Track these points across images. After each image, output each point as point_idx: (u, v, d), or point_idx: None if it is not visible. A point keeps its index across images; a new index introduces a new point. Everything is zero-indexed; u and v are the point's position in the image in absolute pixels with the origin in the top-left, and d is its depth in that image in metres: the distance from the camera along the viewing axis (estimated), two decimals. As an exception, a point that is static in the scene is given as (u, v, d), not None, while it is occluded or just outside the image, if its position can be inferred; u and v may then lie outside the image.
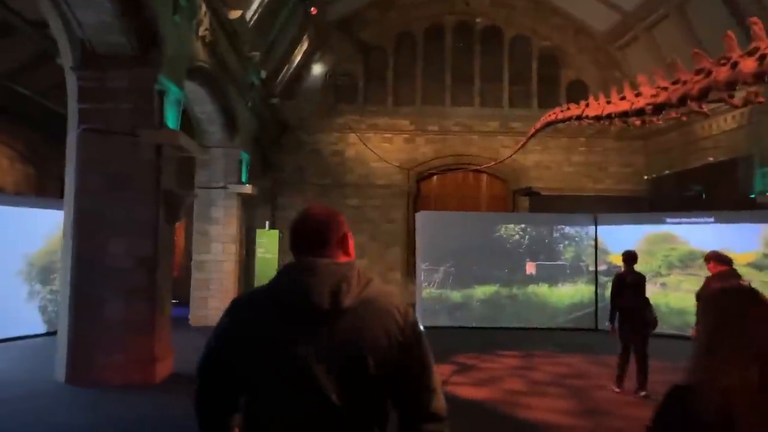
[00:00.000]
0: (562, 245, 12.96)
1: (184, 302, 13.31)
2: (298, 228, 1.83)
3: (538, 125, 9.23)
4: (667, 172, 17.53)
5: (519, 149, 11.34)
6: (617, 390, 7.44)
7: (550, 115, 8.70)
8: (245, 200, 13.38)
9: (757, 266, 10.93)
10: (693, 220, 11.70)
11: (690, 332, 7.08)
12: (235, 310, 1.79)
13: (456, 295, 12.71)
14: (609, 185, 18.74)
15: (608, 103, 7.11)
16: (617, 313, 7.46)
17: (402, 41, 19.10)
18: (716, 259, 6.87)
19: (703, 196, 13.46)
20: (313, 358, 1.62)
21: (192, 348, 10.40)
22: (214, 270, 12.88)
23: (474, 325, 12.58)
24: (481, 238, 12.87)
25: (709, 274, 6.92)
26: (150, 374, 7.45)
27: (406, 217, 18.47)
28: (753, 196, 13.69)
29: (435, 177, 19.16)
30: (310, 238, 1.80)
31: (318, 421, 1.62)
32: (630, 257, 7.73)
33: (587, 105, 7.52)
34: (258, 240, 13.87)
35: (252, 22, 12.06)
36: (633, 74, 18.34)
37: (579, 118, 7.35)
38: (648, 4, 16.24)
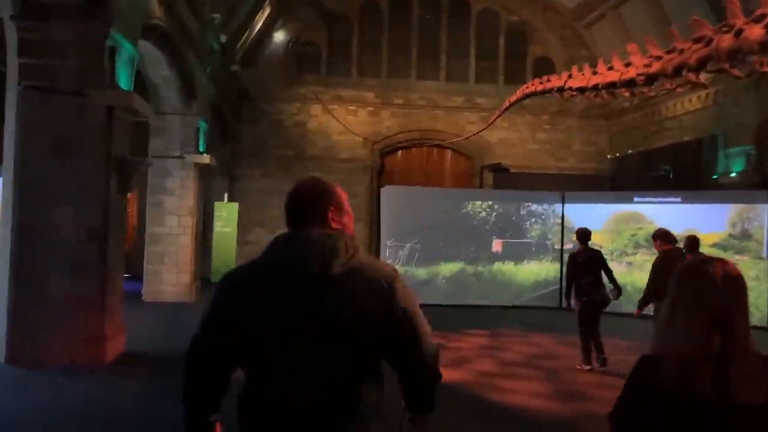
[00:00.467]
0: (528, 223, 12.81)
1: (137, 277, 12.69)
2: (289, 202, 1.89)
3: (514, 98, 8.90)
4: (630, 151, 17.57)
5: (493, 122, 11.02)
6: (587, 368, 7.32)
7: (528, 87, 8.37)
8: (203, 171, 12.74)
9: (722, 247, 10.97)
10: (660, 199, 11.65)
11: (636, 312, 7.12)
12: (228, 283, 1.84)
13: (421, 272, 12.43)
14: (573, 164, 18.71)
15: (594, 73, 6.81)
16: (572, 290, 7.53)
17: (367, 11, 18.50)
18: (662, 237, 7.13)
19: (671, 175, 13.45)
20: (309, 322, 1.71)
21: (145, 325, 9.96)
22: (169, 243, 12.26)
23: (440, 302, 12.34)
24: (448, 215, 12.60)
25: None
26: (99, 354, 6.92)
27: (369, 192, 18.07)
28: (716, 177, 13.78)
29: (399, 152, 18.77)
30: (299, 211, 1.86)
31: (318, 380, 1.72)
32: (581, 235, 7.71)
33: (570, 76, 7.22)
34: (216, 213, 13.28)
35: (212, -19, 11.36)
36: (600, 53, 18.29)
37: (561, 90, 7.05)
38: (618, -19, 16.05)
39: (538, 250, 12.70)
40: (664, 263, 6.73)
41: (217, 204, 13.41)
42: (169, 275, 12.19)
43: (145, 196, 12.96)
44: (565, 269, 12.48)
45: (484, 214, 12.71)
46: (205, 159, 12.21)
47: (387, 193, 13.13)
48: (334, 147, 18.05)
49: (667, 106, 16.12)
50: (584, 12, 18.14)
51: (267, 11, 17.24)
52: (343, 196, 1.92)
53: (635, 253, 11.81)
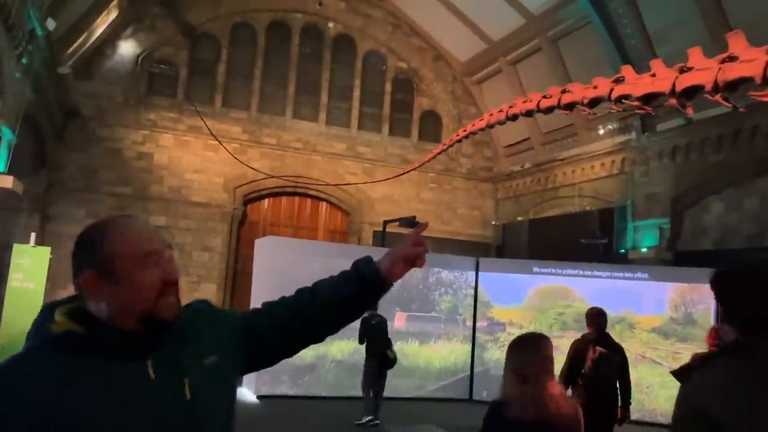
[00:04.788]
0: (438, 293, 10.52)
1: None
2: None
3: (476, 126, 6.63)
4: (520, 218, 16.31)
5: (428, 160, 8.58)
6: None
7: (494, 114, 6.18)
8: (2, 200, 8.94)
9: (662, 332, 9.47)
10: (595, 273, 9.99)
11: None
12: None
13: (305, 354, 9.48)
14: (458, 228, 17.06)
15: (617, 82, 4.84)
16: None
17: (239, 33, 15.79)
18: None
19: (604, 243, 12.02)
20: None
21: None
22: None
23: (324, 394, 9.48)
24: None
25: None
26: None
27: (227, 246, 14.85)
28: (623, 251, 12.66)
29: (267, 200, 15.86)
30: None
31: None
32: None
33: (564, 91, 5.12)
34: (14, 260, 9.29)
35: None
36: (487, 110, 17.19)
37: (570, 105, 4.93)
38: (518, 35, 15.05)
39: (447, 326, 10.40)
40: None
41: (17, 248, 9.42)
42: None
43: None
44: (478, 351, 10.37)
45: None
46: (7, 181, 8.49)
47: (265, 245, 10.17)
48: (187, 187, 14.72)
49: (564, 171, 15.10)
50: (475, 67, 17.01)
51: (113, 14, 13.84)
52: (130, 247, 1.24)
53: (561, 336, 9.93)
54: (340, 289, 1.49)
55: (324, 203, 16.34)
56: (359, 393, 9.66)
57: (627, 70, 4.36)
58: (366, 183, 11.64)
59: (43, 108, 11.65)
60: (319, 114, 16.28)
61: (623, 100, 4.24)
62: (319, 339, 1.55)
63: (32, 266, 9.25)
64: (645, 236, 12.40)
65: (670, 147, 11.96)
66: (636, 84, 4.11)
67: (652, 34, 12.09)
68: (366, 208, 16.24)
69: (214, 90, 15.39)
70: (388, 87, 17.04)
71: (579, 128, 14.56)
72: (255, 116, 15.60)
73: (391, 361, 8.13)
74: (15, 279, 9.09)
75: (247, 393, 9.71)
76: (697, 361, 1.81)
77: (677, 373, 1.69)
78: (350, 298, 1.49)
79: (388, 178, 10.82)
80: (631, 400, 5.67)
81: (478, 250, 15.92)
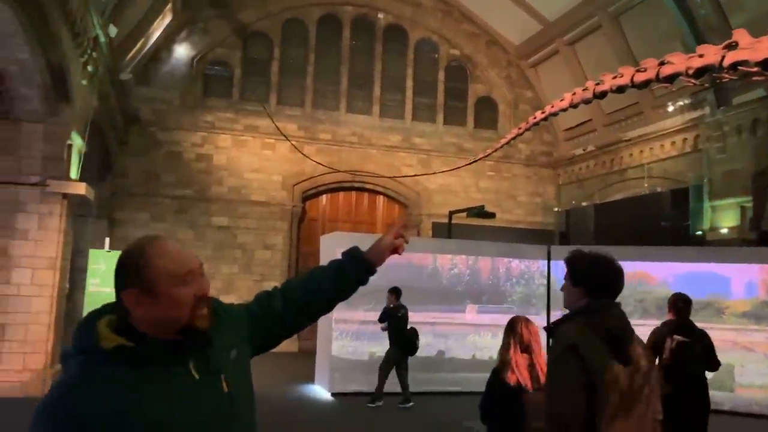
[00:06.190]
0: (509, 284, 10.19)
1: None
2: None
3: (565, 102, 6.23)
4: (584, 203, 15.76)
5: (518, 135, 7.94)
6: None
7: (579, 92, 5.82)
8: (74, 206, 9.08)
9: (754, 316, 8.91)
10: (676, 256, 9.48)
11: None
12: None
13: (377, 349, 9.30)
14: (519, 216, 16.64)
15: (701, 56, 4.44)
16: None
17: (290, 30, 15.74)
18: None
19: (685, 225, 11.47)
20: None
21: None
22: (15, 308, 8.40)
23: (397, 390, 9.30)
24: (413, 272, 9.73)
25: None
26: None
27: (288, 243, 14.85)
28: (701, 232, 12.04)
29: (324, 196, 15.79)
30: None
31: None
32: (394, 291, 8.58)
33: (662, 63, 4.73)
34: (91, 266, 9.45)
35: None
36: (545, 95, 16.66)
37: (671, 77, 4.53)
38: (575, 13, 14.49)
39: (520, 318, 10.06)
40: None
41: (93, 252, 9.58)
42: (14, 357, 8.28)
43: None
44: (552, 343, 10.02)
45: (456, 271, 9.95)
46: (80, 188, 8.60)
47: (331, 241, 10.04)
48: (246, 187, 14.78)
49: (630, 152, 14.49)
50: (531, 50, 16.52)
51: (167, 18, 13.95)
52: (171, 269, 1.39)
53: (643, 324, 9.46)
54: (335, 278, 1.79)
55: (381, 197, 16.17)
56: (434, 388, 9.48)
57: (740, 34, 3.96)
58: (436, 173, 11.41)
59: (106, 115, 11.82)
60: (373, 107, 16.10)
61: (738, 67, 3.86)
62: (314, 320, 1.83)
63: (107, 271, 9.38)
64: (724, 216, 11.76)
65: (750, 120, 11.28)
66: (754, 48, 3.73)
67: (723, 3, 11.42)
68: (424, 199, 16.00)
69: (268, 88, 15.39)
70: (441, 75, 16.72)
71: (645, 106, 13.93)
72: (309, 112, 15.53)
73: (416, 350, 8.69)
74: (92, 284, 9.23)
75: (321, 391, 9.63)
76: (559, 319, 2.35)
77: (547, 329, 2.36)
78: (343, 285, 1.81)
79: (470, 162, 10.37)
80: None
81: (541, 238, 15.45)
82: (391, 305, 8.62)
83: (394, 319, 8.57)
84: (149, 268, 1.36)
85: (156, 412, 1.30)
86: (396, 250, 1.84)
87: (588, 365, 2.06)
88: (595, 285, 2.27)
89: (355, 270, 1.80)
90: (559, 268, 10.29)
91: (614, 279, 2.29)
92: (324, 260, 9.90)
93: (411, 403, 8.59)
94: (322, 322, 10.29)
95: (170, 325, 1.38)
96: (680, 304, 5.22)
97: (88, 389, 1.29)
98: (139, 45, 13.29)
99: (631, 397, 2.11)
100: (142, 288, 1.35)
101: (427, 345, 9.29)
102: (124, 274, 1.38)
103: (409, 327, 8.66)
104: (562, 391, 2.10)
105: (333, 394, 9.27)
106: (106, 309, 1.43)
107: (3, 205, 8.28)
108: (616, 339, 2.16)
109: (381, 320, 8.71)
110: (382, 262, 1.84)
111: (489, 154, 8.92)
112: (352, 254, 1.82)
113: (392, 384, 8.69)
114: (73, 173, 8.83)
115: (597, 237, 14.35)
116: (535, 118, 6.88)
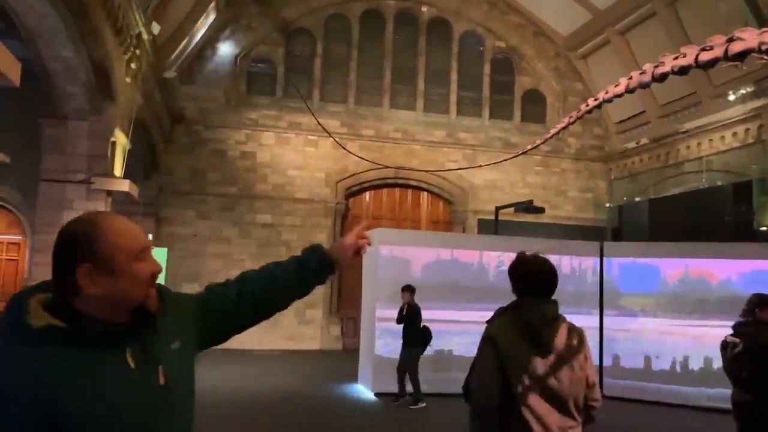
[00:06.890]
0: (559, 282, 9.77)
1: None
2: None
3: (620, 88, 5.82)
4: (638, 199, 15.12)
5: (571, 123, 7.55)
6: None
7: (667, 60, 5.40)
8: (120, 204, 9.13)
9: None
10: (741, 253, 8.91)
11: None
12: None
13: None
14: (569, 212, 16.11)
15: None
16: None
17: (333, 25, 15.61)
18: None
19: (753, 222, 10.85)
20: None
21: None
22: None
23: (453, 390, 9.01)
24: (459, 269, 9.44)
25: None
26: None
27: (332, 240, 14.71)
28: (765, 228, 11.34)
29: (367, 193, 15.61)
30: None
31: None
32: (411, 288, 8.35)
33: (731, 39, 4.31)
34: (135, 263, 9.54)
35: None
36: (596, 87, 16.04)
37: (741, 55, 4.12)
38: (628, 1, 13.88)
39: (571, 318, 9.63)
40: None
41: (137, 250, 9.73)
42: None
43: (33, 236, 9.14)
44: (606, 344, 9.56)
45: (503, 268, 9.58)
46: (124, 185, 8.63)
47: (374, 237, 9.81)
48: (290, 184, 14.73)
49: (687, 145, 13.81)
50: (580, 40, 15.94)
51: (211, 17, 14.00)
52: (128, 242, 1.30)
53: (703, 325, 8.94)
54: (293, 275, 1.74)
55: (425, 193, 15.90)
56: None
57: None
58: (481, 166, 10.99)
59: (151, 113, 11.92)
60: (417, 102, 15.83)
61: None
62: (268, 317, 1.74)
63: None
64: (791, 211, 11.06)
65: (819, 108, 10.56)
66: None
67: (790, -18, 10.72)
68: (469, 196, 15.64)
69: (311, 85, 15.30)
70: (487, 68, 16.32)
71: (703, 96, 13.24)
72: (352, 108, 15.38)
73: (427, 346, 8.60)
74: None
75: (364, 391, 9.45)
76: (493, 315, 2.71)
77: (488, 321, 2.70)
78: (302, 283, 1.75)
79: (517, 155, 10.02)
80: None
81: (593, 235, 14.88)
82: (412, 303, 8.40)
83: (419, 317, 8.40)
84: (104, 242, 1.26)
85: (81, 398, 1.21)
86: (359, 251, 1.83)
87: (501, 353, 2.48)
88: (521, 285, 2.64)
89: (317, 267, 1.76)
90: (613, 266, 9.89)
91: (542, 280, 2.63)
92: (366, 257, 9.68)
93: (423, 404, 8.43)
94: (365, 320, 10.10)
95: (124, 305, 1.29)
96: (749, 305, 4.82)
97: (8, 366, 1.20)
98: (183, 44, 13.36)
99: (545, 378, 2.46)
100: (98, 262, 1.25)
101: (472, 344, 8.97)
102: (74, 248, 1.26)
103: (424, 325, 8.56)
104: (481, 371, 2.54)
105: (376, 395, 9.07)
106: (42, 287, 1.31)
107: (51, 202, 8.38)
108: (534, 331, 2.50)
109: (413, 319, 8.41)
110: (346, 261, 1.82)
111: (538, 146, 8.49)
112: (315, 251, 1.79)
113: (425, 384, 8.51)
114: (117, 170, 8.88)
115: (652, 233, 13.74)
116: (587, 105, 6.45)
